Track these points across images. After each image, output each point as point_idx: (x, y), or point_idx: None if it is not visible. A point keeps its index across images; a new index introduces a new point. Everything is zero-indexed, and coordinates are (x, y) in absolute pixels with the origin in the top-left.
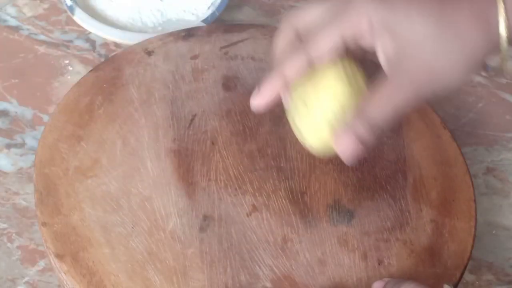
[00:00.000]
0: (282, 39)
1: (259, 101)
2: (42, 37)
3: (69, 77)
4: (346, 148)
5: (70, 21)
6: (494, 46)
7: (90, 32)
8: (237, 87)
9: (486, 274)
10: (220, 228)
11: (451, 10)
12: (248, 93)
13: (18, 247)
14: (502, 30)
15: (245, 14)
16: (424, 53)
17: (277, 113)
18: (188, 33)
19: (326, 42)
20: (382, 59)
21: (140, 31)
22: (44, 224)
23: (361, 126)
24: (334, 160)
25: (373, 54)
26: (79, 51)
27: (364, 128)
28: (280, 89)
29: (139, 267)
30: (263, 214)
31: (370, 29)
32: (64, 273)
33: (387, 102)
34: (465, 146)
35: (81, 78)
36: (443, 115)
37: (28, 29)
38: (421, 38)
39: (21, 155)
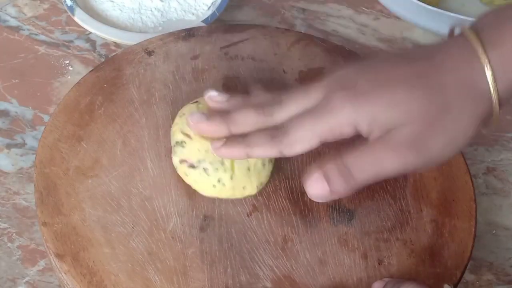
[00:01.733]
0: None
1: (217, 151)
2: (43, 37)
3: (69, 77)
4: (316, 193)
5: (70, 21)
6: (486, 113)
7: (90, 32)
8: (237, 87)
9: (486, 274)
10: (220, 228)
11: (435, 79)
12: (249, 93)
13: (18, 247)
14: (493, 96)
15: (245, 14)
16: (418, 121)
17: None
18: (188, 33)
19: (302, 144)
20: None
21: (140, 31)
22: (44, 224)
23: (338, 179)
24: None
25: None
26: (80, 51)
27: (341, 181)
28: (241, 157)
29: (139, 267)
30: (264, 214)
31: (353, 130)
32: (65, 273)
33: (372, 165)
34: None
35: (82, 78)
36: None
37: (28, 29)
38: (414, 110)
39: (21, 155)
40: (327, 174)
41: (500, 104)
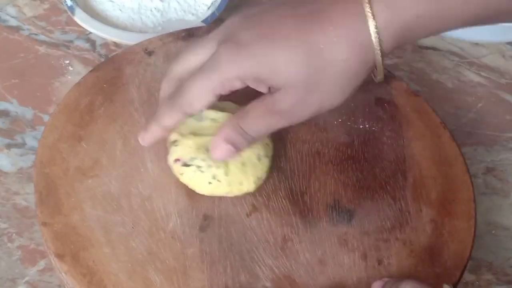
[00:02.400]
0: (164, 88)
1: (142, 140)
2: (43, 37)
3: (69, 77)
4: (220, 154)
5: (70, 21)
6: (370, 64)
7: (90, 32)
8: None
9: (486, 274)
10: (220, 228)
11: (316, 36)
12: (248, 92)
13: (18, 247)
14: (376, 48)
15: None
16: (296, 87)
17: None
18: (188, 33)
19: (199, 101)
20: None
21: (140, 31)
22: (44, 224)
23: (236, 136)
24: (334, 160)
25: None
26: (79, 51)
27: (238, 138)
28: (161, 135)
29: (139, 266)
30: (263, 214)
31: (244, 84)
32: (65, 273)
33: (262, 121)
34: (465, 146)
35: (81, 78)
36: (443, 115)
37: (28, 29)
38: (292, 76)
39: (21, 155)
40: (228, 138)
41: (382, 55)
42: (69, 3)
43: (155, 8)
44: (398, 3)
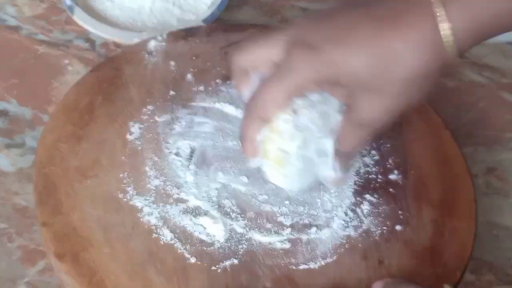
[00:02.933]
0: (236, 78)
1: (251, 163)
2: (42, 37)
3: (69, 77)
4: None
5: (70, 21)
6: (446, 64)
7: (90, 32)
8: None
9: (486, 274)
10: None
11: (394, 42)
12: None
13: (18, 247)
14: (453, 49)
15: (245, 14)
16: (378, 92)
17: None
18: (188, 33)
19: (276, 107)
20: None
21: (140, 30)
22: (44, 224)
23: (341, 167)
24: None
25: None
26: (79, 51)
27: (344, 166)
28: (256, 147)
29: (139, 267)
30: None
31: (317, 87)
32: (64, 273)
33: (352, 137)
34: (465, 146)
35: (81, 78)
36: (443, 115)
37: (27, 29)
38: (372, 82)
39: (21, 155)
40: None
41: (459, 56)
42: (68, 2)
43: (155, 8)
44: (475, 3)
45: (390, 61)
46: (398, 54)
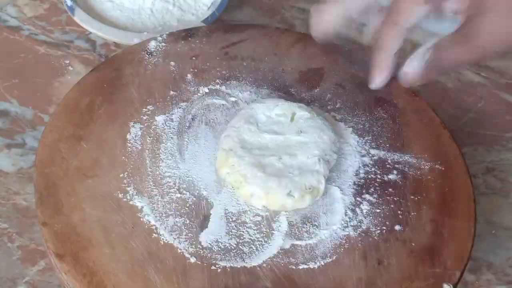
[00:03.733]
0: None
1: (378, 79)
2: (43, 37)
3: (69, 77)
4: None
5: (71, 21)
6: None
7: (90, 32)
8: (236, 87)
9: (486, 274)
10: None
11: None
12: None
13: (18, 247)
14: None
15: (245, 14)
16: (497, 18)
17: None
18: (188, 33)
19: (415, 12)
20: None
21: (140, 31)
22: (44, 224)
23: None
24: None
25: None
26: (80, 51)
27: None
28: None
29: (139, 267)
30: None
31: None
32: (65, 273)
33: (458, 55)
34: (465, 146)
35: (82, 78)
36: (443, 115)
37: (28, 29)
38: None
39: (21, 155)
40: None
41: None
42: (69, 3)
43: (155, 8)
44: None
45: None
46: None
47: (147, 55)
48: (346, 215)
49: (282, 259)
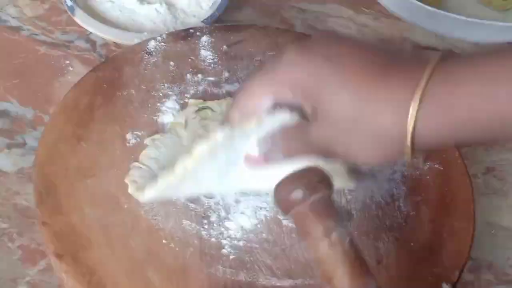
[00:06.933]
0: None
1: None
2: (43, 38)
3: (69, 77)
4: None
5: (71, 22)
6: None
7: (90, 33)
8: (236, 88)
9: (485, 273)
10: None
11: (375, 101)
12: None
13: (19, 247)
14: (408, 142)
15: (245, 14)
16: (334, 123)
17: None
18: (188, 33)
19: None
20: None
21: (140, 31)
22: (44, 224)
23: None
24: None
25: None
26: (80, 51)
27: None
28: None
29: (138, 266)
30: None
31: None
32: (64, 273)
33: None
34: (464, 146)
35: (82, 78)
36: None
37: (28, 30)
38: (340, 118)
39: (21, 155)
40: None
41: (412, 149)
42: (69, 3)
43: (155, 9)
44: (453, 106)
45: (360, 103)
46: (369, 105)
47: (146, 55)
48: (345, 214)
49: (282, 259)
